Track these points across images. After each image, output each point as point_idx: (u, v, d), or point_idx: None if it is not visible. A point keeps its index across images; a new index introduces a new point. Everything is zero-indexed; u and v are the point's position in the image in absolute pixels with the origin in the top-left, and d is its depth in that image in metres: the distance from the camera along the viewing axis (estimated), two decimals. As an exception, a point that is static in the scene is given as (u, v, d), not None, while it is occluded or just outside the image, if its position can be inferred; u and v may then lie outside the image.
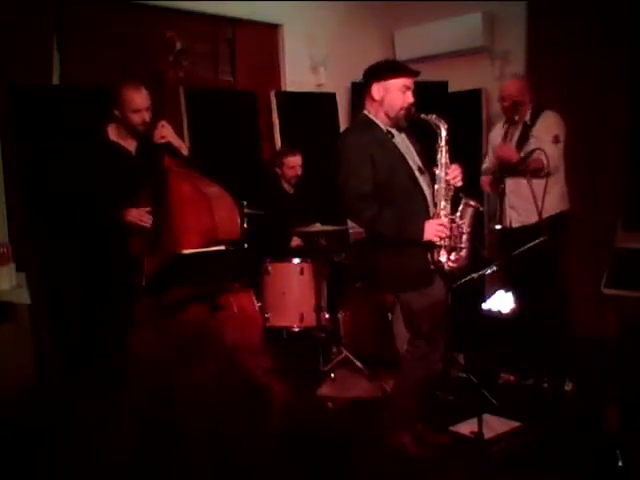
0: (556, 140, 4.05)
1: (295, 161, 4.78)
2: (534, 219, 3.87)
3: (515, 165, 3.97)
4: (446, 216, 3.06)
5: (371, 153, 3.01)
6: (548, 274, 4.01)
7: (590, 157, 4.86)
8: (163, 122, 3.49)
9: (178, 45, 3.51)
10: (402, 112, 3.09)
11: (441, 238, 3.00)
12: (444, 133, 3.06)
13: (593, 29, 4.78)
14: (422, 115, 3.08)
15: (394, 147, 3.12)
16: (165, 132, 3.49)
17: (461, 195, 3.12)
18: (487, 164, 4.44)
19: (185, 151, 3.64)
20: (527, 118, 4.13)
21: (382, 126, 3.13)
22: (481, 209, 3.16)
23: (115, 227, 3.44)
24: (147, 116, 3.49)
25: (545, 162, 3.81)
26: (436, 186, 3.10)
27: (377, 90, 3.09)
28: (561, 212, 4.14)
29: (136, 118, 3.46)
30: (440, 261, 3.05)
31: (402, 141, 3.17)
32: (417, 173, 3.12)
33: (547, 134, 4.04)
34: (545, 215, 3.92)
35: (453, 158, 3.12)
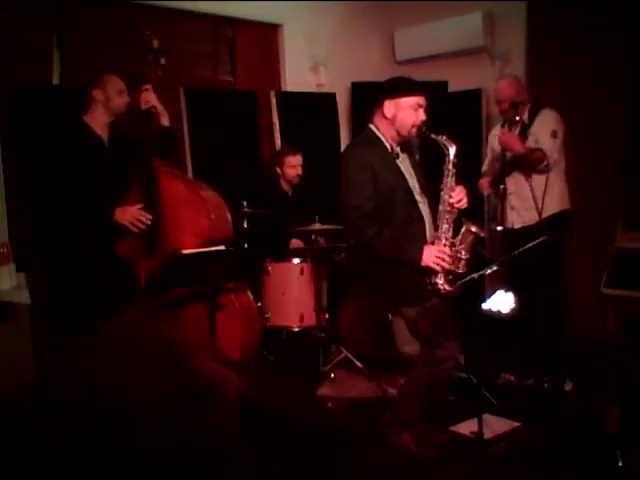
0: (554, 135, 4.02)
1: (296, 160, 4.77)
2: (535, 219, 3.88)
3: (518, 157, 3.96)
4: (447, 239, 3.04)
5: (374, 170, 2.99)
6: (549, 274, 4.00)
7: (590, 156, 4.86)
8: (147, 86, 3.52)
9: (155, 43, 3.51)
10: (413, 130, 3.06)
11: (440, 265, 2.99)
12: (452, 155, 3.04)
13: (593, 29, 4.78)
14: (432, 135, 3.05)
15: (396, 167, 3.09)
16: (149, 97, 3.52)
17: (463, 220, 3.10)
18: (486, 167, 4.44)
19: (167, 121, 3.65)
20: (525, 117, 4.13)
21: (387, 144, 3.10)
22: (482, 235, 3.14)
23: (101, 225, 3.44)
24: (127, 98, 3.56)
25: (542, 152, 3.84)
26: (440, 207, 3.07)
27: (389, 107, 3.05)
28: (562, 211, 4.14)
29: (120, 100, 3.53)
30: (437, 283, 3.04)
31: (404, 161, 3.15)
32: (417, 196, 3.10)
33: (545, 129, 4.03)
34: (546, 214, 3.94)
35: (464, 187, 3.10)
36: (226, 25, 5.25)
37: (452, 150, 3.03)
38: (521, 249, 3.58)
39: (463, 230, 3.07)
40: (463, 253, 3.05)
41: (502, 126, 4.27)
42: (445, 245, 3.03)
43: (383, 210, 3.00)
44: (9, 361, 3.45)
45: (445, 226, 3.05)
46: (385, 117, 3.07)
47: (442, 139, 3.04)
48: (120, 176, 3.55)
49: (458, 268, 3.04)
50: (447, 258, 2.98)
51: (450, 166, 3.05)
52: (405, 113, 3.05)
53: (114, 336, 0.76)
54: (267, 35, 5.52)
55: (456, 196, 3.04)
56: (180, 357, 0.73)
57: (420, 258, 2.97)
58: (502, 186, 4.07)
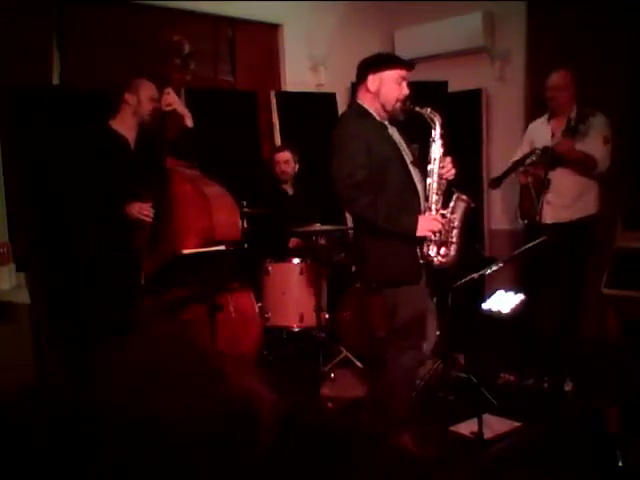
0: (606, 141, 4.05)
1: (283, 156, 4.81)
2: (569, 218, 3.92)
3: (568, 157, 3.97)
4: (438, 210, 3.06)
5: (368, 142, 3.00)
6: (576, 274, 4.03)
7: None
8: (169, 89, 3.57)
9: (186, 48, 3.55)
10: (397, 104, 3.09)
11: (434, 233, 3.00)
12: (438, 127, 3.06)
13: (593, 29, 4.78)
14: (417, 108, 3.07)
15: (389, 138, 3.12)
16: (171, 99, 3.56)
17: (454, 190, 3.12)
18: (518, 156, 4.34)
19: (189, 122, 3.68)
20: (573, 115, 4.12)
21: (377, 117, 3.13)
22: (472, 205, 3.15)
23: (115, 221, 3.45)
24: (156, 106, 3.60)
25: (594, 160, 3.91)
26: (428, 180, 3.09)
27: (372, 82, 3.09)
28: (594, 214, 4.16)
29: (150, 106, 3.58)
30: (430, 255, 3.04)
31: (394, 133, 3.18)
32: (410, 166, 3.11)
33: (597, 134, 4.04)
34: (582, 215, 3.98)
35: (452, 154, 3.12)
36: (226, 25, 5.25)
37: (438, 122, 3.04)
38: (521, 249, 3.59)
39: (454, 199, 3.09)
40: (456, 222, 3.06)
41: (548, 120, 4.27)
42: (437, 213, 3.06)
43: (377, 180, 3.00)
44: (9, 361, 3.45)
45: (435, 197, 3.07)
46: (369, 91, 3.11)
47: (427, 112, 3.07)
48: (145, 175, 3.57)
49: (451, 237, 3.05)
50: (440, 225, 3.00)
51: (437, 137, 3.06)
52: (389, 87, 3.09)
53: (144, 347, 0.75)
54: (267, 35, 5.52)
55: (445, 166, 3.05)
56: (220, 371, 0.73)
57: (415, 228, 2.97)
58: (546, 181, 4.05)
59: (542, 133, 4.27)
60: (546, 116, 4.33)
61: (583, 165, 4.01)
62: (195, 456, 0.66)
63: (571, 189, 4.08)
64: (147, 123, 3.62)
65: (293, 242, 4.76)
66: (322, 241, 4.57)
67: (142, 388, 0.68)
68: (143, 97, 3.56)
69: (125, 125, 3.60)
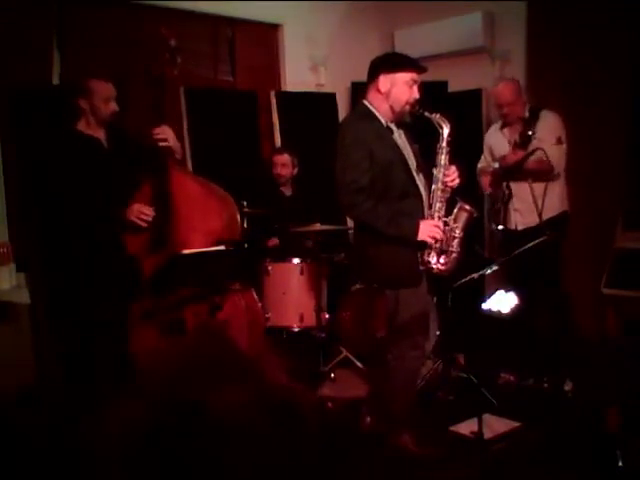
0: (559, 141, 4.05)
1: (281, 159, 4.82)
2: (536, 220, 3.90)
3: (518, 165, 3.97)
4: (440, 218, 3.04)
5: (370, 146, 2.99)
6: (549, 274, 4.02)
7: (590, 157, 4.86)
8: (164, 127, 3.46)
9: (172, 42, 3.50)
10: (407, 107, 3.07)
11: (434, 240, 2.99)
12: (446, 133, 3.04)
13: (593, 29, 4.78)
14: (426, 113, 3.05)
15: (393, 142, 3.10)
16: (167, 136, 3.47)
17: (457, 199, 3.11)
18: (483, 163, 4.44)
19: (179, 156, 3.64)
20: (525, 118, 4.13)
21: (382, 120, 3.11)
22: (475, 215, 3.14)
23: (106, 224, 3.44)
24: (116, 106, 3.49)
25: (549, 164, 3.84)
26: (433, 186, 3.07)
27: (384, 82, 3.06)
28: (561, 212, 4.16)
29: (106, 108, 3.46)
30: (429, 262, 3.03)
31: (400, 137, 3.16)
32: (414, 172, 3.10)
33: (550, 136, 4.04)
34: (547, 216, 3.96)
35: (453, 158, 3.11)
36: (226, 25, 5.25)
37: (446, 128, 3.03)
38: (521, 249, 3.59)
39: (457, 208, 3.07)
40: (457, 232, 3.05)
41: (501, 128, 4.28)
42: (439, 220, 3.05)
43: (379, 185, 3.00)
44: (9, 361, 3.45)
45: (438, 204, 3.06)
46: (380, 92, 3.08)
47: (436, 117, 3.04)
48: (125, 174, 3.54)
49: (452, 246, 3.04)
50: (441, 233, 2.98)
51: (444, 144, 3.05)
52: (399, 89, 3.05)
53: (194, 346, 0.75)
54: (267, 35, 5.52)
55: (450, 175, 3.04)
56: (257, 373, 0.73)
57: (416, 233, 2.96)
58: (507, 191, 4.08)
59: (498, 142, 4.29)
60: (498, 125, 4.36)
61: (538, 173, 3.96)
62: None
63: (531, 194, 4.06)
64: (112, 122, 3.53)
65: (272, 242, 4.77)
66: (309, 244, 4.56)
67: None
68: (96, 101, 3.44)
69: (91, 128, 3.51)
